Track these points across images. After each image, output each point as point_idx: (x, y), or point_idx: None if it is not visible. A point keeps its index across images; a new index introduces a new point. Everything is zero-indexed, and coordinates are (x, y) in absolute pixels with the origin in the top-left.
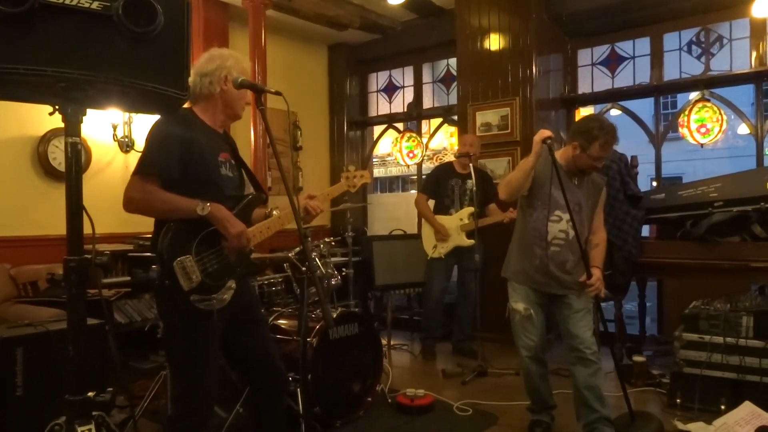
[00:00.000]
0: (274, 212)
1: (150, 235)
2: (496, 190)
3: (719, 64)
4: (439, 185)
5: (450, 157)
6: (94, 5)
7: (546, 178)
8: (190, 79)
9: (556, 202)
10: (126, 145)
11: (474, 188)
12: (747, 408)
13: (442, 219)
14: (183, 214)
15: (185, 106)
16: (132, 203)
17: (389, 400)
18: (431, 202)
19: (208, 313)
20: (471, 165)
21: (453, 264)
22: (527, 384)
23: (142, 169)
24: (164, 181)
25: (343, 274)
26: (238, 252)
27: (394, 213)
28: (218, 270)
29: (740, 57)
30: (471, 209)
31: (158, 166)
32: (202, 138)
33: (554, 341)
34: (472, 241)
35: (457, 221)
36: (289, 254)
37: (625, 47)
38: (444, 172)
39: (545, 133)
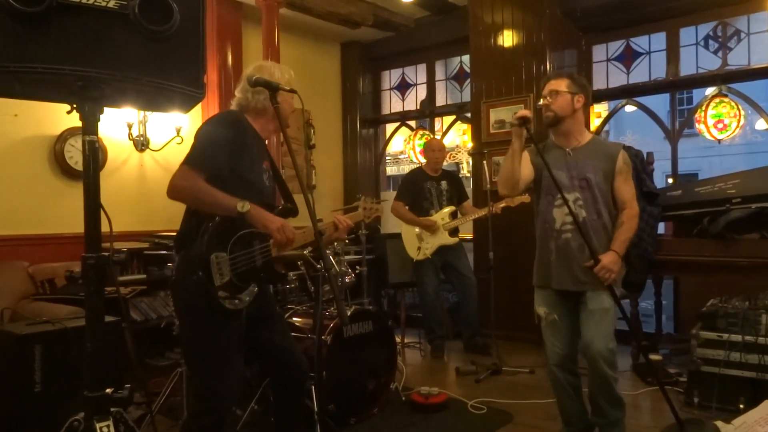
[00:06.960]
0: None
1: (167, 233)
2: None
3: (737, 59)
4: (414, 190)
5: (464, 155)
6: (111, 4)
7: (540, 161)
8: (242, 95)
9: (559, 184)
10: (141, 144)
11: (448, 188)
12: (767, 407)
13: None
14: (222, 210)
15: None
16: (176, 189)
17: (403, 398)
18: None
19: (234, 312)
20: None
21: (440, 263)
22: (558, 398)
23: (193, 161)
24: (211, 176)
25: (357, 271)
26: (279, 248)
27: None
28: (245, 272)
29: (758, 51)
30: (451, 208)
31: (209, 160)
32: (254, 143)
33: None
34: (456, 239)
35: (439, 221)
36: (304, 252)
37: (640, 42)
38: (417, 177)
39: (521, 112)
